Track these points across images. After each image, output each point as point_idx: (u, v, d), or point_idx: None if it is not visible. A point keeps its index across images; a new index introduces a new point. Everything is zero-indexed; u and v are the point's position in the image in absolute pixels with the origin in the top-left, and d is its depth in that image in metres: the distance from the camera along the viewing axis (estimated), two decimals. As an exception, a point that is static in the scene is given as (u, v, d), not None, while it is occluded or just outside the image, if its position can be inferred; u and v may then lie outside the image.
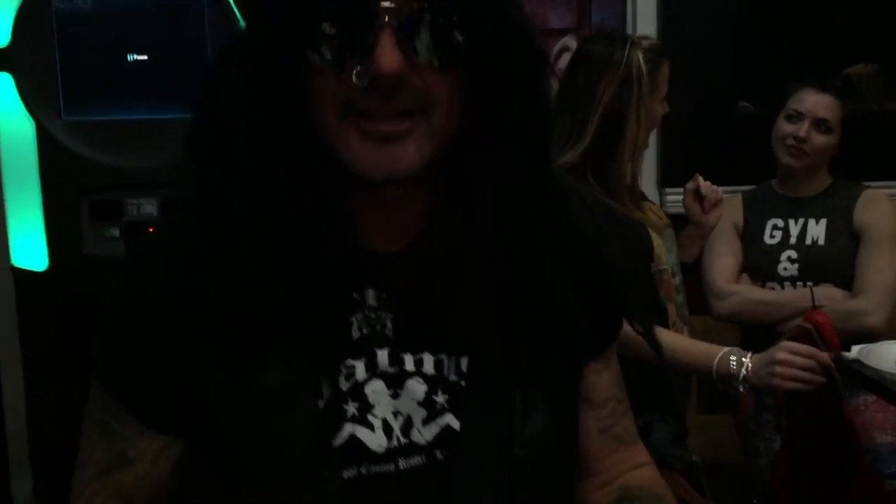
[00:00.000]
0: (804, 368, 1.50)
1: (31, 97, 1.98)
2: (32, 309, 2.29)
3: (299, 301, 0.70)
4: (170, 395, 0.72)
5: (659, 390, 1.50)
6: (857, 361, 1.63)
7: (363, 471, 0.71)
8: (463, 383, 0.74)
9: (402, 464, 0.72)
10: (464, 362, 0.75)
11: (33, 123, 1.99)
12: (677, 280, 1.97)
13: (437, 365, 0.75)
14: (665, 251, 1.89)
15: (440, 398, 0.74)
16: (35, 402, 2.29)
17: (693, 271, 2.13)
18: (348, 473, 0.71)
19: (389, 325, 0.74)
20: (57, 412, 1.89)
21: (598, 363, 0.86)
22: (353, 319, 0.74)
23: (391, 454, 0.72)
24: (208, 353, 0.71)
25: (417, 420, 0.73)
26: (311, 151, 0.71)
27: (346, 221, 0.75)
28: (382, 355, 0.73)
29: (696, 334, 1.82)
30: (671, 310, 1.83)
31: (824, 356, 1.51)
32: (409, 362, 0.74)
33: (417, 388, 0.73)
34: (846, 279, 2.04)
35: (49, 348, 2.27)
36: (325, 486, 0.69)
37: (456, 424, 0.73)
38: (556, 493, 0.79)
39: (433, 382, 0.74)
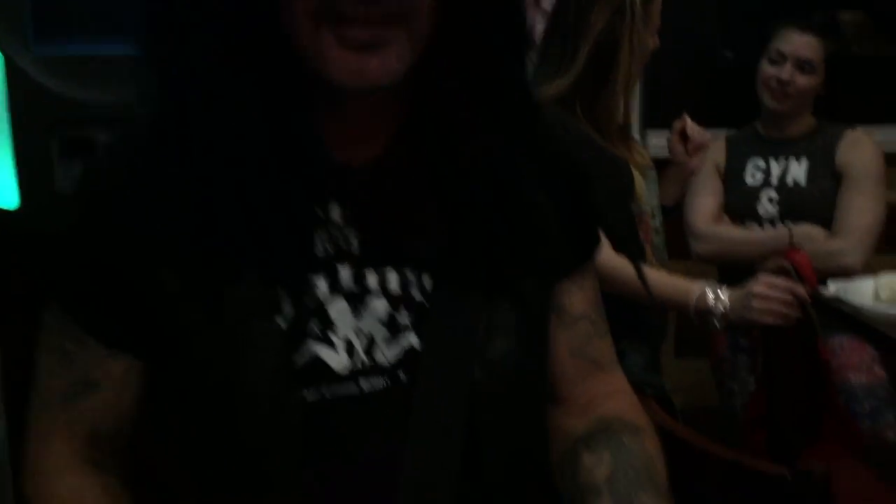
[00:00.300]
0: (781, 302, 1.50)
1: (0, 30, 1.92)
2: (4, 248, 2.25)
3: (260, 216, 0.68)
4: (130, 313, 0.70)
5: (633, 320, 1.50)
6: (835, 298, 1.63)
7: (325, 393, 0.69)
8: (427, 303, 0.73)
9: (364, 385, 0.70)
10: (428, 280, 0.73)
11: (2, 57, 1.93)
12: (656, 222, 1.97)
13: (402, 283, 0.73)
14: (646, 192, 1.89)
15: (403, 318, 0.72)
16: (8, 343, 2.26)
17: (672, 214, 2.13)
18: (311, 396, 0.69)
19: (354, 242, 0.72)
20: (30, 353, 1.87)
21: (571, 282, 0.84)
22: (317, 236, 0.71)
23: (354, 375, 0.70)
24: (167, 269, 0.68)
25: (380, 340, 0.71)
26: (275, 58, 0.68)
27: (311, 134, 0.72)
28: (345, 273, 0.71)
29: (674, 278, 1.81)
30: (647, 251, 1.82)
31: (801, 290, 1.51)
32: (372, 280, 0.72)
33: (379, 307, 0.71)
34: (826, 220, 2.04)
35: (21, 287, 2.24)
36: (287, 408, 0.68)
37: (419, 345, 0.72)
38: (520, 417, 0.77)
39: (397, 301, 0.72)
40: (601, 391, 0.84)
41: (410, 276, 0.73)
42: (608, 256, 1.63)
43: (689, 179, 2.12)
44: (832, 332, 1.93)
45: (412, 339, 0.72)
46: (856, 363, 1.94)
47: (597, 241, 0.87)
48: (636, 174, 1.79)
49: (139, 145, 0.72)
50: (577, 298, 0.84)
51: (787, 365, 1.67)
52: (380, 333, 0.71)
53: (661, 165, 2.06)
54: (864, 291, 1.66)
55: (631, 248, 1.67)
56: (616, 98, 1.64)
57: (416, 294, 0.73)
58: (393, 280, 0.73)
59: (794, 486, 0.82)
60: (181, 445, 0.74)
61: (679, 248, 2.13)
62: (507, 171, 0.74)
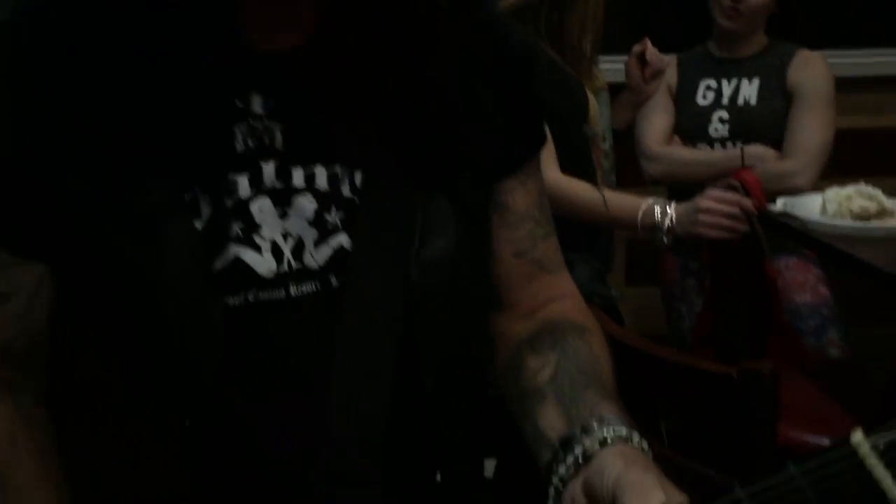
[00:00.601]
0: (728, 216, 1.49)
1: None
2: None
3: (171, 107, 0.62)
4: (37, 218, 0.64)
5: (581, 232, 1.48)
6: (783, 214, 1.62)
7: (250, 297, 0.65)
8: (358, 200, 0.68)
9: (293, 290, 0.66)
10: (359, 177, 0.68)
11: None
12: (607, 145, 1.95)
13: (331, 179, 0.67)
14: (598, 115, 1.87)
15: (333, 216, 0.67)
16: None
17: (623, 139, 2.11)
18: (234, 300, 0.64)
19: (279, 136, 0.66)
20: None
21: (514, 180, 0.79)
22: (237, 129, 0.65)
23: (281, 279, 0.66)
24: (71, 169, 0.63)
25: (309, 241, 0.66)
26: None
27: (226, 16, 0.65)
28: (269, 169, 0.66)
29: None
30: (598, 175, 1.81)
31: (748, 203, 1.51)
32: (298, 177, 0.67)
33: (306, 205, 0.66)
34: (777, 140, 2.03)
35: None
36: (207, 313, 0.63)
37: (349, 245, 0.67)
38: (459, 320, 0.74)
39: (326, 199, 0.67)
40: (547, 294, 0.81)
41: (340, 171, 0.68)
42: (555, 176, 1.61)
43: (642, 105, 2.10)
44: (778, 253, 1.95)
45: (342, 239, 0.67)
46: (801, 283, 1.97)
47: (542, 138, 0.83)
48: (590, 96, 1.77)
49: (32, 33, 0.65)
50: (521, 197, 0.80)
51: (734, 283, 1.68)
52: (308, 234, 0.67)
53: (613, 91, 2.04)
54: (812, 206, 1.66)
55: (583, 168, 1.65)
56: (587, 13, 1.59)
57: (346, 191, 0.68)
58: (321, 176, 0.67)
59: (740, 386, 0.80)
60: (100, 356, 0.69)
61: (627, 176, 2.12)
62: (442, 62, 0.70)
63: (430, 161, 0.69)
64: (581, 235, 1.49)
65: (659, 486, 0.53)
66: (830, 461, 0.46)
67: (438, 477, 0.77)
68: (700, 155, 2.09)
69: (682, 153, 2.10)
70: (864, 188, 1.58)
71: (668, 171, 2.09)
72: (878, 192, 1.58)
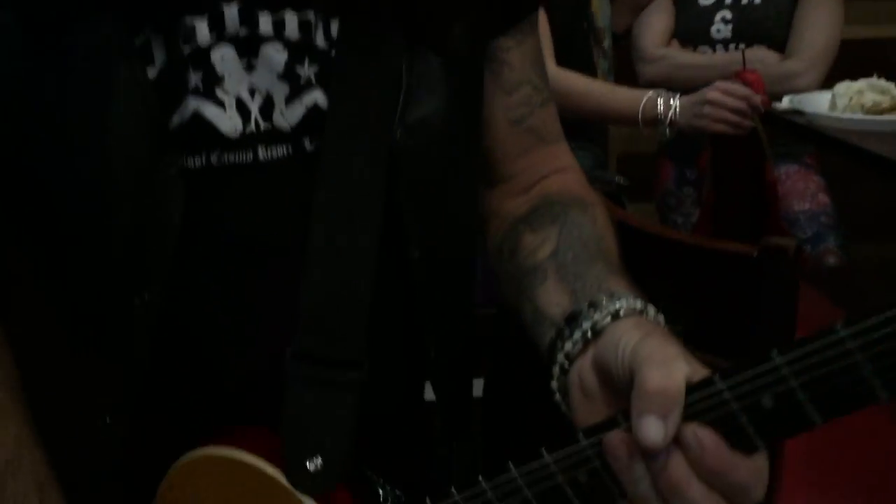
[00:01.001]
0: (735, 110, 1.42)
1: None
2: None
3: None
4: None
5: (575, 119, 1.41)
6: (790, 110, 1.54)
7: (213, 160, 0.58)
8: (334, 52, 0.60)
9: (262, 153, 0.59)
10: (336, 26, 0.60)
11: None
12: (606, 45, 1.86)
13: (303, 27, 0.59)
14: (600, 10, 1.78)
15: (306, 70, 0.59)
16: None
17: (621, 43, 2.01)
18: (193, 162, 0.57)
19: None
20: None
21: (509, 39, 0.71)
22: None
23: (249, 140, 0.58)
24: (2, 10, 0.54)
25: (279, 98, 0.59)
26: None
27: None
28: (231, 12, 0.57)
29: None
30: (598, 73, 1.74)
31: (756, 98, 1.43)
32: (265, 23, 0.58)
33: (276, 56, 0.58)
34: (781, 41, 1.94)
35: None
36: (163, 174, 0.56)
37: (325, 103, 0.59)
38: (448, 190, 0.67)
39: (297, 50, 0.59)
40: (545, 167, 0.74)
41: (314, 18, 0.59)
42: (550, 67, 1.53)
43: (642, 8, 2.01)
44: (779, 161, 1.88)
45: (317, 97, 0.59)
46: (801, 191, 1.92)
47: None
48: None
49: None
50: (517, 59, 0.72)
51: (734, 186, 1.62)
52: (279, 90, 0.59)
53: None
54: (820, 103, 1.58)
55: (584, 64, 1.57)
56: None
57: (321, 41, 0.60)
58: (292, 23, 0.59)
59: (760, 266, 0.74)
60: (42, 227, 0.60)
61: (625, 82, 2.03)
62: None
63: (417, 10, 0.61)
64: (576, 123, 1.42)
65: (682, 356, 0.47)
66: (886, 320, 0.39)
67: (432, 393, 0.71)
68: (700, 58, 2.00)
69: (681, 56, 2.01)
70: (877, 82, 1.50)
71: (665, 74, 2.00)
72: (891, 86, 1.49)
